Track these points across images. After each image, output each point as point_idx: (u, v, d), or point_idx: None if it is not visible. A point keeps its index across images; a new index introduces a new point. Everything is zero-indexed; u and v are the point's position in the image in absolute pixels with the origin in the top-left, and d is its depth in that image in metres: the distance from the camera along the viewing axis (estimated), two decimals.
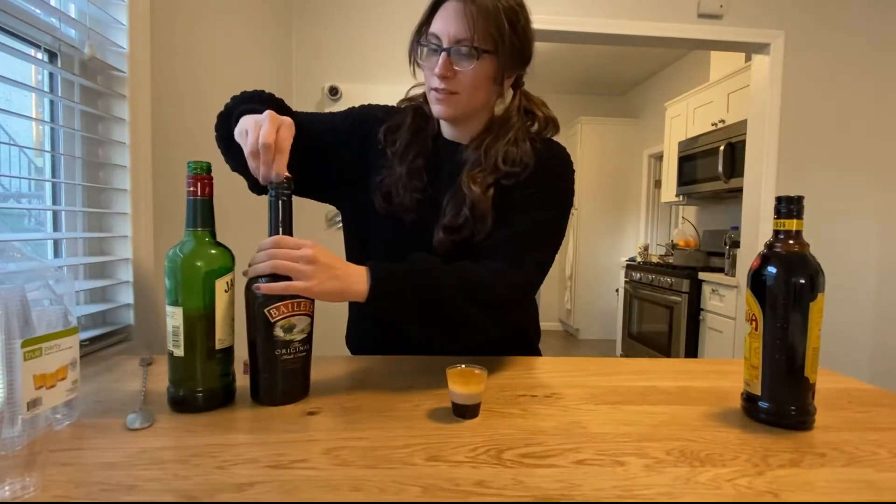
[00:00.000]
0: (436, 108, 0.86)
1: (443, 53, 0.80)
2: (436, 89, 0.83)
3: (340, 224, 1.04)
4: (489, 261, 0.80)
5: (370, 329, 0.98)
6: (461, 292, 0.73)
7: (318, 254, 0.66)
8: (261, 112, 0.74)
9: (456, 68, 0.81)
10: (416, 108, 0.94)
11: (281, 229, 0.66)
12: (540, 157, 0.87)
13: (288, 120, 0.73)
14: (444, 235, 0.84)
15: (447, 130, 0.93)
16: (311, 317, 0.68)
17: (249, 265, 0.67)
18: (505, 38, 0.81)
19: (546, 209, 0.85)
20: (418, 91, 0.95)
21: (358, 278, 0.69)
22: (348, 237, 1.01)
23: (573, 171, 0.91)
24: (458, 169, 0.88)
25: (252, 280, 0.65)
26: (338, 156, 0.94)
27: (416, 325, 0.75)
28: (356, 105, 1.00)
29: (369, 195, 0.91)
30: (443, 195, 0.88)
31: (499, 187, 0.85)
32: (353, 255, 0.98)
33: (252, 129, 0.70)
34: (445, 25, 0.80)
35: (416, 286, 0.71)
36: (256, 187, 0.84)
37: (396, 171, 0.88)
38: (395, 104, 0.99)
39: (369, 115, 0.96)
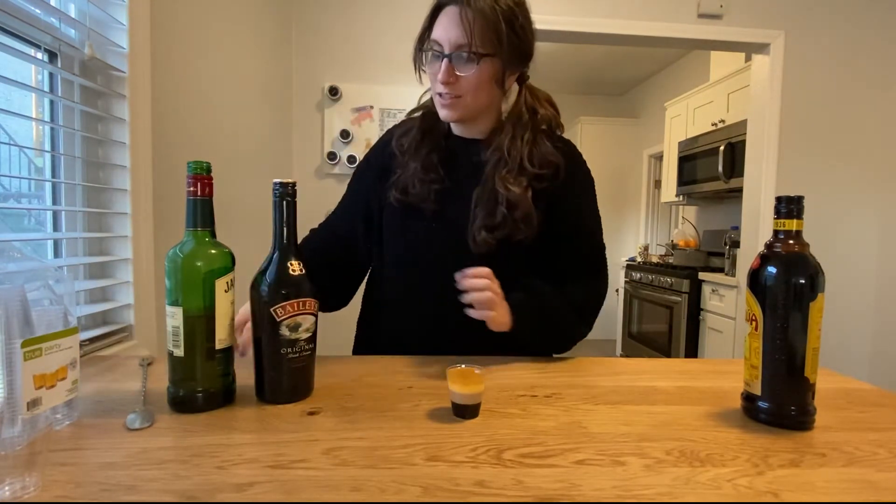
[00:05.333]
0: (442, 113, 0.88)
1: (444, 60, 0.82)
2: (440, 94, 0.86)
3: None
4: (577, 281, 0.92)
5: (375, 337, 1.00)
6: (575, 314, 0.90)
7: None
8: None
9: (458, 73, 0.83)
10: (425, 113, 0.96)
11: (286, 230, 0.66)
12: (569, 158, 0.92)
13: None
14: (486, 234, 0.86)
15: (457, 129, 0.96)
16: (316, 316, 0.68)
17: (465, 287, 0.76)
18: (504, 40, 0.82)
19: (592, 212, 0.97)
20: (427, 97, 0.97)
21: (506, 311, 0.81)
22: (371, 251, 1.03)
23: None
24: (477, 164, 0.90)
25: (256, 280, 0.66)
26: (369, 218, 0.98)
27: (541, 344, 0.90)
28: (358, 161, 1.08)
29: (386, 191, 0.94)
30: (463, 189, 0.90)
31: (537, 190, 0.88)
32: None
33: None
34: (445, 31, 0.82)
35: (547, 317, 0.87)
36: None
37: (411, 167, 0.91)
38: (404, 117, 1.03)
39: (382, 148, 1.00)
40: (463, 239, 0.88)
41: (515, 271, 0.88)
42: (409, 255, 0.93)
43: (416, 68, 0.90)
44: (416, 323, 0.94)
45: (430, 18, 0.85)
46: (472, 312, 0.77)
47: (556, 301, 0.88)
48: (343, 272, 1.00)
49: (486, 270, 0.77)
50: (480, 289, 0.76)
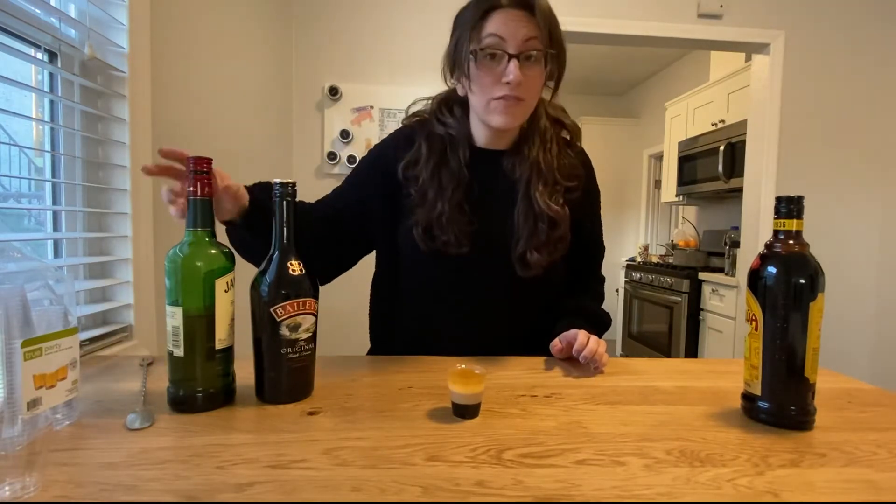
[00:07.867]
0: (499, 119, 0.81)
1: (513, 59, 0.77)
2: (503, 97, 0.79)
3: None
4: (587, 277, 1.02)
5: (390, 335, 0.99)
6: (607, 313, 1.01)
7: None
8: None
9: (526, 73, 0.79)
10: (427, 135, 0.89)
11: (285, 230, 0.66)
12: (587, 168, 0.95)
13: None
14: (538, 255, 0.84)
15: (488, 140, 0.90)
16: (316, 316, 0.68)
17: (581, 352, 0.81)
18: (562, 44, 0.82)
19: (599, 218, 1.03)
20: (418, 107, 0.94)
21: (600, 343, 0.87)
22: (387, 273, 0.97)
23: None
24: (504, 177, 0.88)
25: (256, 280, 0.66)
26: (369, 217, 0.92)
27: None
28: (359, 157, 1.03)
29: (405, 231, 0.89)
30: (493, 207, 0.87)
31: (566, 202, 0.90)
32: (397, 285, 0.95)
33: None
34: (512, 29, 0.77)
35: (604, 326, 0.99)
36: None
37: (437, 208, 0.84)
38: (400, 126, 0.96)
39: (381, 156, 0.93)
40: (499, 257, 0.86)
41: (547, 282, 0.90)
42: (442, 280, 0.90)
43: (449, 71, 0.85)
44: (450, 338, 0.92)
45: (479, 18, 0.78)
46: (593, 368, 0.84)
47: (600, 311, 1.00)
48: (336, 247, 0.92)
49: (594, 344, 0.82)
50: (601, 354, 0.82)
